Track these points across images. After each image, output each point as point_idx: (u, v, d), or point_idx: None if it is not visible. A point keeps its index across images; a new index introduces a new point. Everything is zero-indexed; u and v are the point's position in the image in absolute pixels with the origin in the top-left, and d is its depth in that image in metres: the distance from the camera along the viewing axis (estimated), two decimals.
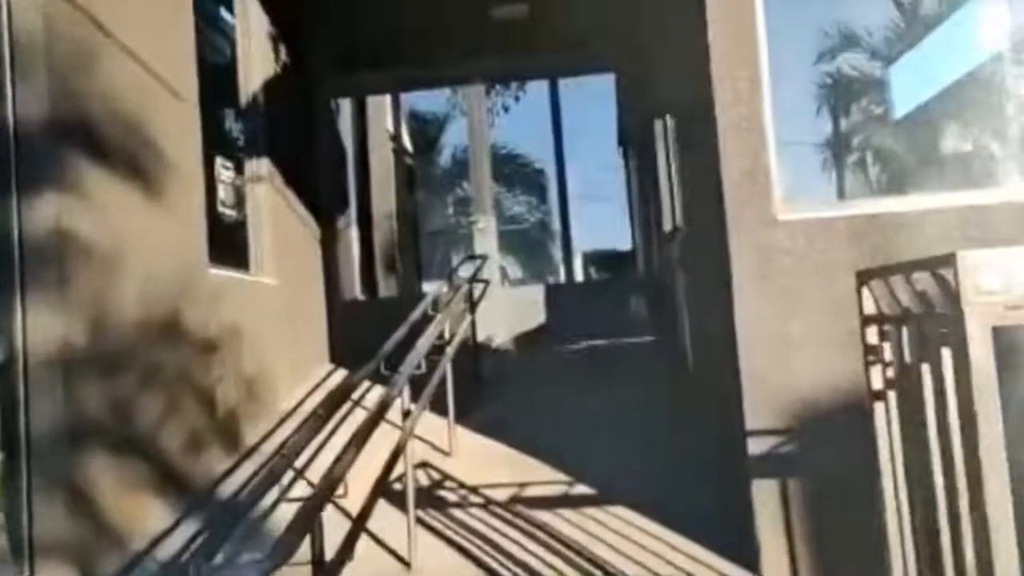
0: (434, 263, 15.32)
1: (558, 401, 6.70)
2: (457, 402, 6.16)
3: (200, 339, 5.72)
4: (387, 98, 12.94)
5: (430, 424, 5.90)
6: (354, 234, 11.67)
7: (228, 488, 5.58)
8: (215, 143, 6.65)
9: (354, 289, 10.46)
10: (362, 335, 6.20)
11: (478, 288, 7.97)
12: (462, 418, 6.31)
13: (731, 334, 4.23)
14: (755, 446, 4.10)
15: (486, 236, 8.79)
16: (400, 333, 5.23)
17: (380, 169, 12.11)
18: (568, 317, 8.68)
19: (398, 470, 4.78)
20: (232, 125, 7.15)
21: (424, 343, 4.90)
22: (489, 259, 8.53)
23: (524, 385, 7.29)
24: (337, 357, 8.65)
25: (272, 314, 7.23)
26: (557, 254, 12.65)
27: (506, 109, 13.72)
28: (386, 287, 11.93)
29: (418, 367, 4.72)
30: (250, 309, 6.77)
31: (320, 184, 8.91)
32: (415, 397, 5.01)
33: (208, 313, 5.89)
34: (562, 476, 5.28)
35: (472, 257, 8.29)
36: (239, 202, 7.20)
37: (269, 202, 7.46)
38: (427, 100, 24.04)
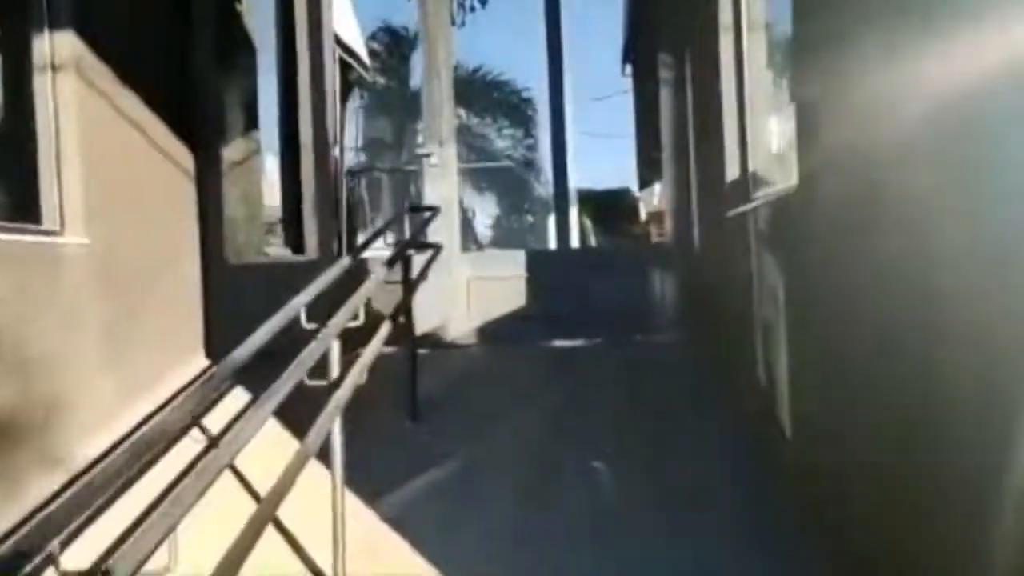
0: (386, 209, 12.32)
1: (551, 470, 3.95)
2: (373, 463, 3.42)
3: None
4: None
5: (313, 500, 3.14)
6: (270, 168, 8.74)
7: None
8: None
9: (263, 245, 7.56)
10: (268, 311, 3.58)
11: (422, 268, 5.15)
12: (378, 498, 3.57)
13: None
14: None
15: (443, 177, 5.92)
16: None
17: (315, 82, 9.06)
18: (560, 300, 5.90)
19: None
20: None
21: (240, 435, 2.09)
22: (444, 212, 5.68)
23: (492, 424, 4.51)
24: (219, 348, 5.84)
25: (75, 295, 4.39)
26: (545, 205, 9.20)
27: (483, 2, 10.58)
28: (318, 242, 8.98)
29: None
30: (18, 292, 3.92)
31: (200, 90, 5.98)
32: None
33: None
34: None
35: (416, 209, 5.46)
36: (16, 106, 4.29)
37: (78, 108, 4.53)
38: (402, 12, 20.79)
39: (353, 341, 3.71)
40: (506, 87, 18.01)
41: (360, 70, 13.63)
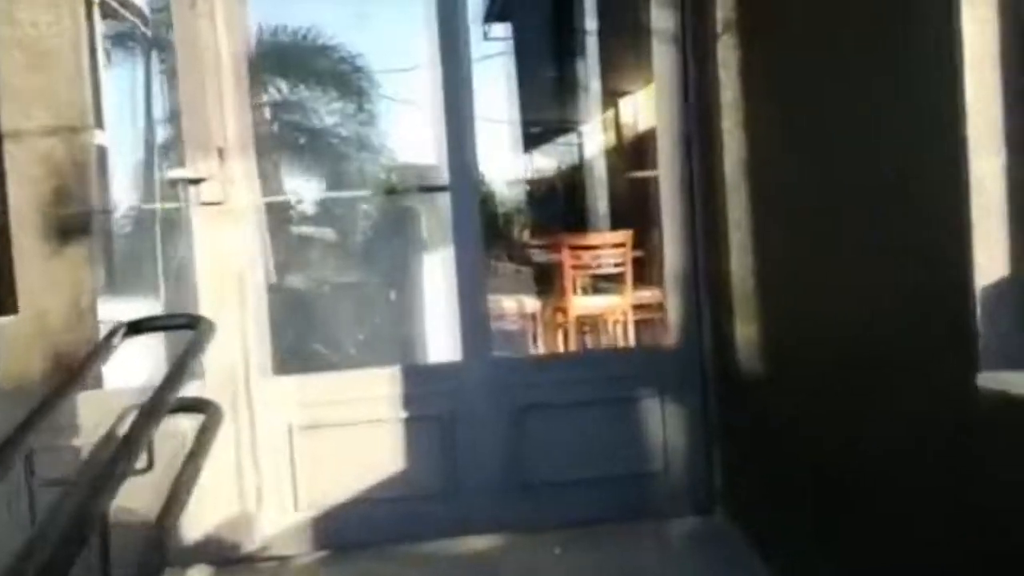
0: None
1: None
2: None
3: None
4: None
5: None
6: None
7: None
8: None
9: None
10: None
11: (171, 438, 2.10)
12: None
13: None
14: None
15: (229, 224, 2.89)
16: None
17: (27, 37, 5.61)
18: (481, 458, 3.06)
19: None
20: None
21: None
22: (231, 312, 2.69)
23: None
24: None
25: None
26: (424, 234, 5.45)
27: None
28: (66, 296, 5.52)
29: None
30: None
31: None
32: None
33: None
34: None
35: (141, 328, 2.35)
36: None
37: None
38: None
39: None
40: (334, 53, 14.34)
41: (136, 21, 10.03)
